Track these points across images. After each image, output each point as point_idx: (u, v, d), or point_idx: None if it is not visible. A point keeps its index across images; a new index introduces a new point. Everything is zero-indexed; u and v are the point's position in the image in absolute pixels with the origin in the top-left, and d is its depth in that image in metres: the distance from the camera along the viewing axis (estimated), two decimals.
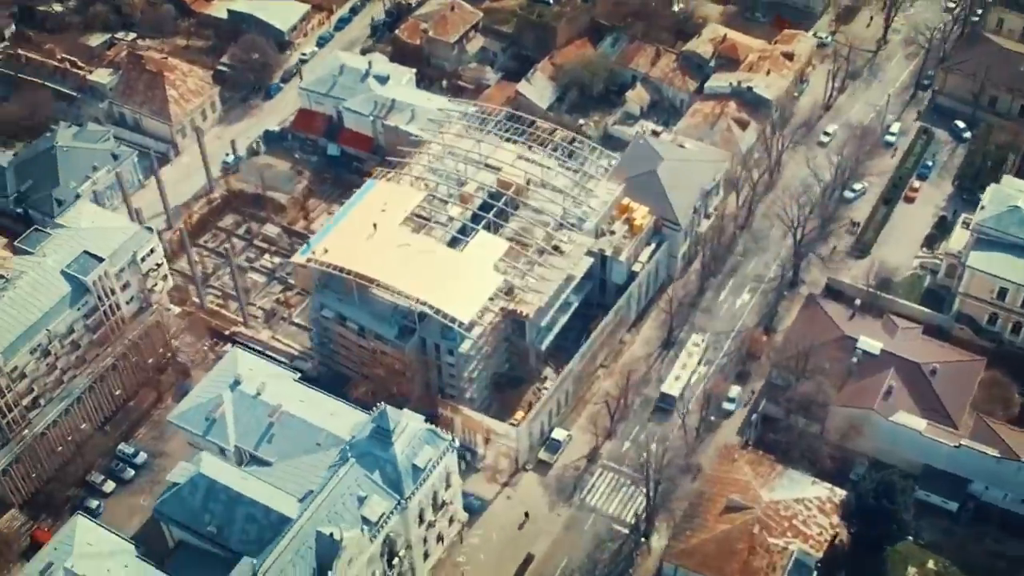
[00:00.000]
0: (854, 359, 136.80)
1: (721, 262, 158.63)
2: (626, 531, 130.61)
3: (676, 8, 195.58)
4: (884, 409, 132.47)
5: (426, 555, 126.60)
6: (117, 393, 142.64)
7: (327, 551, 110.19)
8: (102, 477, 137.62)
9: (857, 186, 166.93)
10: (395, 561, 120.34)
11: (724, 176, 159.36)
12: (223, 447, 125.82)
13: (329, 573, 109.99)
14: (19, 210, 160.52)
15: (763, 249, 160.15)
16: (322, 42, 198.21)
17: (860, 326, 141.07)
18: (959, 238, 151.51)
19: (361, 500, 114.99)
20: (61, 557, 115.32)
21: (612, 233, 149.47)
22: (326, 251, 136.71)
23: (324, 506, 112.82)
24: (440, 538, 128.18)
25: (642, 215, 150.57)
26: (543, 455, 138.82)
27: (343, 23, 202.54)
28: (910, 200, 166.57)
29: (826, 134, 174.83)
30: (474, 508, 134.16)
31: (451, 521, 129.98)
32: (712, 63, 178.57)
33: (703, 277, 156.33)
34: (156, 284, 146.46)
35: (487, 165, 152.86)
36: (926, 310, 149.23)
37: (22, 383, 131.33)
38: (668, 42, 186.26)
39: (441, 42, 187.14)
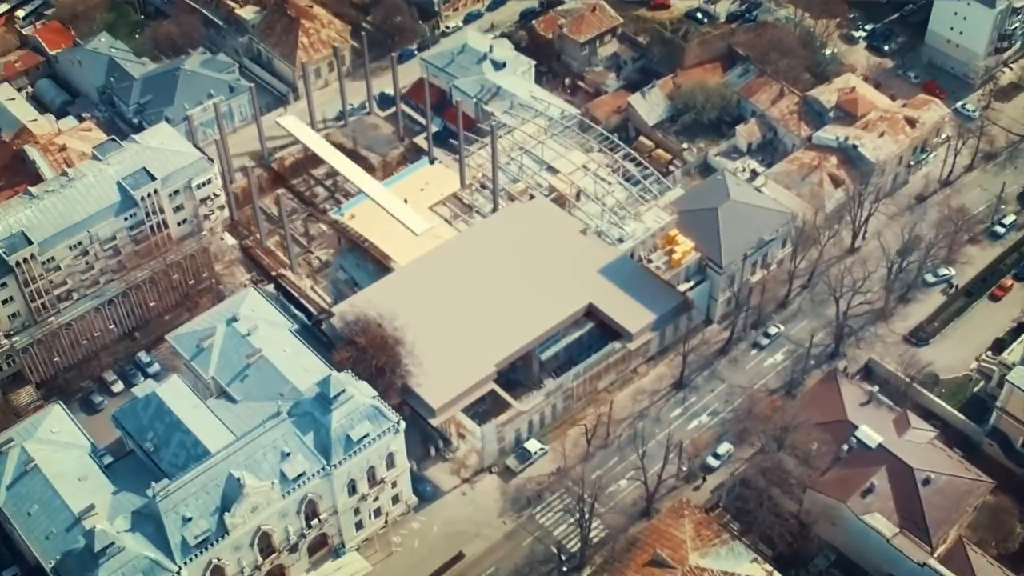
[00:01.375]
0: (846, 446, 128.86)
1: (767, 317, 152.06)
2: (563, 557, 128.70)
3: (827, 52, 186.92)
4: (858, 506, 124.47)
5: (360, 525, 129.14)
6: (152, 305, 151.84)
7: (232, 493, 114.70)
8: (115, 378, 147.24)
9: (943, 271, 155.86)
10: (315, 522, 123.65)
11: (800, 231, 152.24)
12: (202, 375, 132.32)
13: (226, 514, 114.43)
14: (136, 120, 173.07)
15: (817, 315, 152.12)
16: (470, 18, 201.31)
17: (869, 414, 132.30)
18: (1020, 350, 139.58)
19: (284, 455, 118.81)
20: (23, 436, 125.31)
21: (650, 261, 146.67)
22: (352, 216, 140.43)
23: (244, 451, 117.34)
24: (378, 513, 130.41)
25: (684, 249, 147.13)
26: (511, 462, 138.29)
27: (497, 4, 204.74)
28: (996, 298, 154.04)
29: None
30: (426, 495, 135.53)
31: (396, 500, 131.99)
32: (832, 113, 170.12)
33: (742, 327, 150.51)
34: (212, 213, 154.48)
35: (548, 168, 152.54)
36: (960, 416, 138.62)
37: (56, 274, 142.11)
38: (803, 83, 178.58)
39: (572, 41, 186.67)
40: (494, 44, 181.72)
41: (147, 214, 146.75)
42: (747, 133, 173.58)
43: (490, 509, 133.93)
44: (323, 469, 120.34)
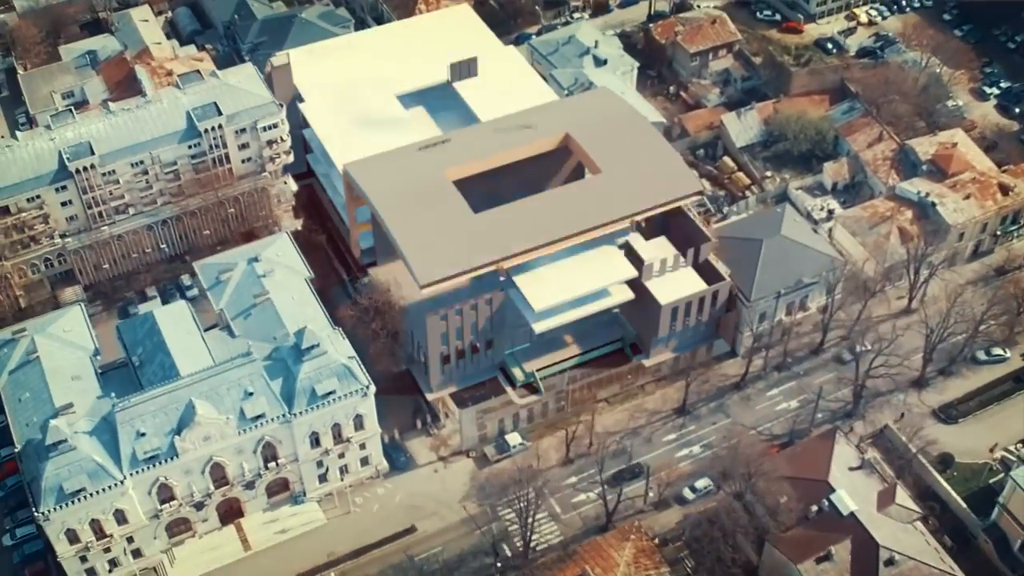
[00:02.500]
0: (815, 507, 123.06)
1: (796, 361, 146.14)
2: (497, 563, 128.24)
3: (949, 103, 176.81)
4: (811, 571, 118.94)
5: (323, 479, 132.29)
6: (205, 233, 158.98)
7: (187, 418, 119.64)
8: (155, 294, 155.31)
9: (997, 351, 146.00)
10: (272, 465, 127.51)
11: (848, 280, 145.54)
12: (214, 305, 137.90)
13: (176, 436, 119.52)
14: (247, 58, 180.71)
15: (849, 368, 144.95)
16: (599, 12, 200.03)
17: (855, 480, 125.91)
18: None
19: (248, 395, 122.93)
20: (37, 328, 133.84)
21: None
22: (365, 170, 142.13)
23: (209, 383, 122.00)
24: (345, 471, 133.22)
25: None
26: (489, 450, 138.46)
27: (628, 3, 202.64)
28: None
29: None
30: (399, 464, 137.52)
31: (365, 463, 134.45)
32: (924, 167, 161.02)
33: (763, 366, 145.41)
34: (278, 156, 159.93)
35: None
36: (963, 504, 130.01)
37: (115, 187, 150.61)
38: (913, 131, 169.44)
39: (683, 49, 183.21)
40: (601, 40, 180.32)
41: (210, 146, 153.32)
42: (834, 172, 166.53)
43: (455, 491, 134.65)
44: (284, 416, 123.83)
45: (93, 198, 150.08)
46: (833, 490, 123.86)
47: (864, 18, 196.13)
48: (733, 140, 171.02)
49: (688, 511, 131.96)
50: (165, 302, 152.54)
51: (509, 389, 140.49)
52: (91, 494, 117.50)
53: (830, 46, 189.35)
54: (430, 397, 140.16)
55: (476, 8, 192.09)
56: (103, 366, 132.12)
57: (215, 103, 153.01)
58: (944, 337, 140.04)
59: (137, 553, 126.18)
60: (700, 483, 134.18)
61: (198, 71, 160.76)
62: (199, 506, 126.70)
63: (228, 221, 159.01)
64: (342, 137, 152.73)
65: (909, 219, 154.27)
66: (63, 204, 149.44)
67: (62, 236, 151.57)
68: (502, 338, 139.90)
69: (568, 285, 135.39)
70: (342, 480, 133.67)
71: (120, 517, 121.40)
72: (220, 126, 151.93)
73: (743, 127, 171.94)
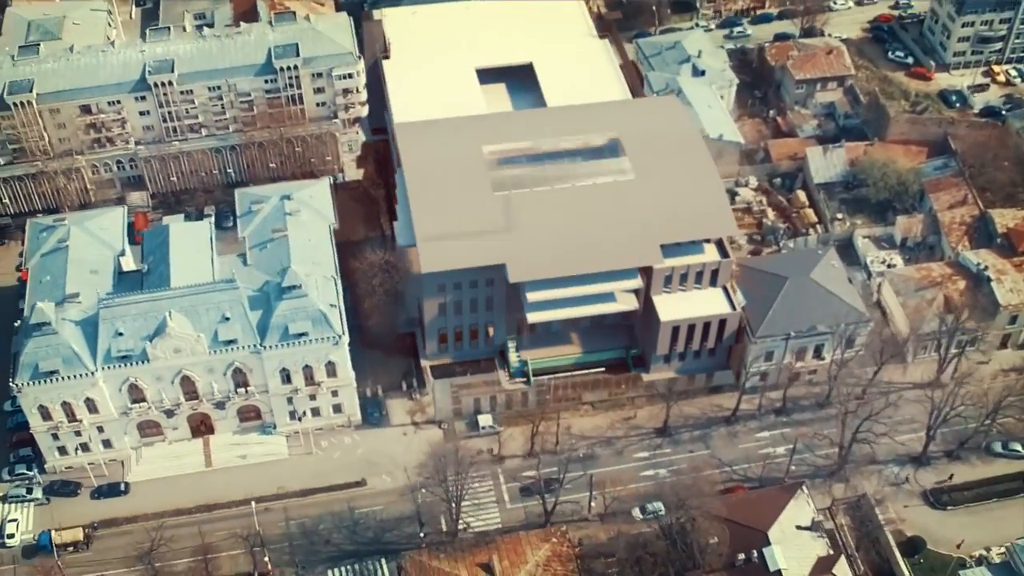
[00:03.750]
0: (742, 556, 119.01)
1: (797, 409, 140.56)
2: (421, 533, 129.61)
3: None
4: None
5: (293, 415, 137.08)
6: (271, 166, 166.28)
7: (161, 327, 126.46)
8: (211, 213, 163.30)
9: (1016, 446, 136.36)
10: (241, 391, 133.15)
11: (876, 341, 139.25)
12: (239, 232, 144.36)
13: (148, 341, 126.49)
14: (367, 9, 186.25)
15: (848, 426, 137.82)
16: (725, 24, 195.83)
17: (798, 540, 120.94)
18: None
19: (224, 319, 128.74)
20: (76, 220, 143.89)
21: None
22: (412, 133, 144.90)
23: (191, 299, 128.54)
24: (317, 413, 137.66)
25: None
26: (459, 426, 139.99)
27: (761, 19, 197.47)
28: None
29: None
30: (372, 420, 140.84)
31: (337, 410, 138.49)
32: (999, 239, 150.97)
33: (759, 405, 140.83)
34: (352, 106, 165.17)
35: None
36: None
37: (191, 107, 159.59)
38: (1013, 201, 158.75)
39: (791, 75, 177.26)
40: (707, 51, 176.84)
41: (285, 84, 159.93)
42: (906, 227, 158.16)
43: (413, 457, 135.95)
44: (255, 346, 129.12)
45: (169, 113, 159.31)
46: (768, 543, 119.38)
47: (1002, 76, 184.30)
48: (812, 175, 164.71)
49: (632, 530, 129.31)
50: (218, 224, 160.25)
51: (501, 372, 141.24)
52: (63, 378, 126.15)
53: (954, 99, 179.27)
54: (424, 364, 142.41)
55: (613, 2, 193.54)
56: (130, 270, 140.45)
57: (296, 44, 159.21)
58: (948, 418, 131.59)
59: (107, 444, 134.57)
60: (653, 505, 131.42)
61: (294, 12, 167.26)
62: (169, 413, 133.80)
63: (293, 159, 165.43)
64: (410, 98, 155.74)
65: (960, 289, 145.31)
66: (141, 113, 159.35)
67: (137, 143, 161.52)
68: (502, 321, 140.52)
69: (569, 284, 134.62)
70: (312, 422, 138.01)
71: (91, 406, 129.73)
72: (296, 67, 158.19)
73: (826, 163, 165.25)
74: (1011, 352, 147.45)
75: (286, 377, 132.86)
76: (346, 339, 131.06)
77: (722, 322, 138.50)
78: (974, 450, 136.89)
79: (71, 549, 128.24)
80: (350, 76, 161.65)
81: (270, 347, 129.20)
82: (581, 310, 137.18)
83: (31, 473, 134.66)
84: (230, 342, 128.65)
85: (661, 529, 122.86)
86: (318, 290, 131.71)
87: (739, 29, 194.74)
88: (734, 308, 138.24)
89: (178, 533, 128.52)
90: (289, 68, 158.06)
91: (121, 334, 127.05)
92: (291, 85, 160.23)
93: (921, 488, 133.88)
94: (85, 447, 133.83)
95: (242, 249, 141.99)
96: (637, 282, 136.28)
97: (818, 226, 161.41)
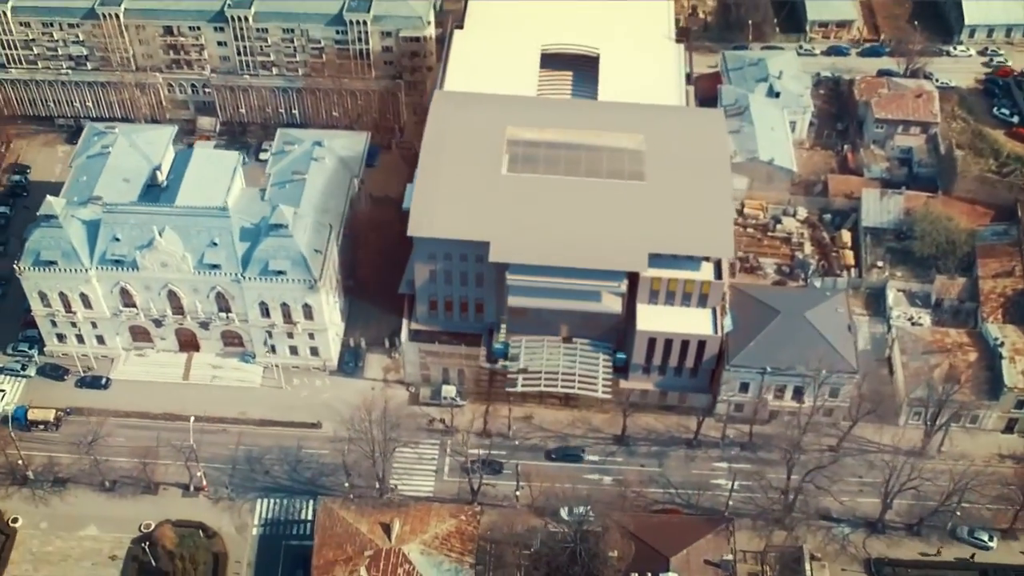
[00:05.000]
0: (636, 575, 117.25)
1: (764, 447, 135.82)
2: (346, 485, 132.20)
3: None
4: None
5: (273, 350, 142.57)
6: (335, 114, 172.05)
7: (151, 239, 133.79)
8: (267, 148, 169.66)
9: (982, 535, 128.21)
10: (223, 315, 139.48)
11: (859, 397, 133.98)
12: (267, 168, 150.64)
13: (138, 251, 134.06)
14: None
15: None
16: (835, 51, 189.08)
17: (698, 573, 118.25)
18: None
19: (212, 244, 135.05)
20: (126, 131, 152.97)
21: None
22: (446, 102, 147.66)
23: (185, 220, 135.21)
24: (294, 351, 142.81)
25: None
26: (424, 392, 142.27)
27: (872, 53, 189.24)
28: None
29: None
30: (347, 369, 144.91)
31: (314, 353, 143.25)
32: None
33: (722, 435, 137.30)
34: (418, 70, 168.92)
35: None
36: None
37: (265, 45, 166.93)
38: None
39: (871, 112, 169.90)
40: (790, 75, 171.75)
41: (355, 38, 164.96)
42: (943, 287, 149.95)
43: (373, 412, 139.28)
44: (235, 275, 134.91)
45: (244, 47, 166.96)
46: (667, 570, 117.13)
47: None
48: (863, 216, 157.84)
49: (554, 528, 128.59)
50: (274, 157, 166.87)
51: (483, 349, 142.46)
52: (61, 269, 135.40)
53: None
54: (413, 326, 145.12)
55: (719, 7, 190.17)
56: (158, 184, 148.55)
57: (370, 1, 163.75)
58: (904, 488, 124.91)
59: (100, 340, 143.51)
60: (580, 508, 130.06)
61: None
62: (158, 323, 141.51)
63: (355, 111, 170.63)
64: (467, 69, 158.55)
65: (968, 362, 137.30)
66: (219, 43, 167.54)
67: (212, 71, 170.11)
68: (492, 300, 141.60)
69: (554, 275, 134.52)
70: (289, 359, 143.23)
71: (86, 301, 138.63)
72: (365, 23, 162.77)
73: (880, 208, 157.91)
74: (1016, 438, 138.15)
75: (265, 311, 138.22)
76: (319, 285, 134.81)
77: (701, 343, 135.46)
78: (937, 529, 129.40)
79: (42, 427, 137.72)
80: (417, 40, 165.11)
81: (250, 279, 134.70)
82: (564, 303, 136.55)
83: (31, 352, 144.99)
84: (214, 266, 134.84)
85: (571, 532, 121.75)
86: (306, 234, 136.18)
87: (840, 58, 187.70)
88: (715, 332, 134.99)
89: (135, 434, 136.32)
90: (359, 23, 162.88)
91: (118, 240, 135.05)
92: (360, 39, 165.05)
93: (865, 556, 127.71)
94: (80, 339, 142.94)
95: (266, 184, 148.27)
96: (622, 286, 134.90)
97: (853, 269, 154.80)
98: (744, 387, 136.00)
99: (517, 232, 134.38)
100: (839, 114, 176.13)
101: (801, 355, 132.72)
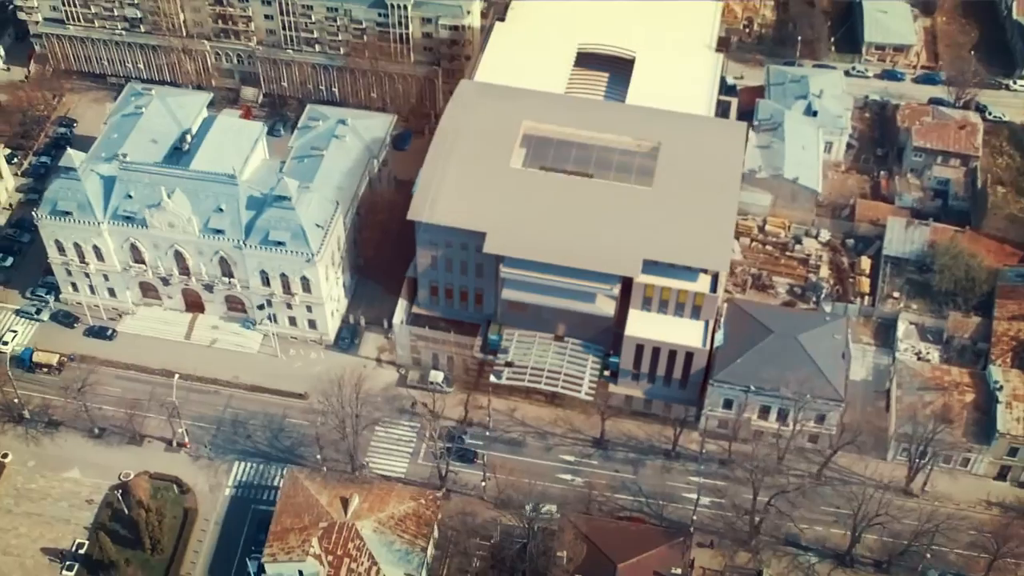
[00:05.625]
0: None
1: (740, 466, 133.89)
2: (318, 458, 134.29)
3: None
4: None
5: (273, 319, 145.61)
6: (372, 95, 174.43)
7: (160, 199, 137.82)
8: (290, 123, 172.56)
9: None
10: (226, 280, 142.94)
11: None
12: (290, 143, 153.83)
13: (148, 209, 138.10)
14: None
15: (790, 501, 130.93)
16: (889, 75, 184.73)
17: None
18: None
19: (218, 209, 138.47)
20: (163, 94, 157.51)
21: None
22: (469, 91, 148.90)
23: (195, 183, 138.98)
24: (293, 322, 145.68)
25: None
26: (412, 374, 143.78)
27: (931, 80, 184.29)
28: None
29: None
30: (343, 345, 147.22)
31: (312, 326, 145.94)
32: None
33: (701, 449, 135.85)
34: (456, 59, 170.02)
35: None
36: None
37: (308, 22, 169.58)
38: None
39: (911, 139, 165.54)
40: (832, 95, 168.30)
41: (395, 22, 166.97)
42: (956, 326, 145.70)
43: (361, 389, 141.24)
44: (238, 241, 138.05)
45: (290, 22, 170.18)
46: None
47: None
48: (885, 244, 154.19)
49: (510, 522, 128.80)
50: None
51: (478, 339, 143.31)
52: (75, 220, 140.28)
53: None
54: (414, 310, 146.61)
55: (780, 19, 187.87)
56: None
57: None
58: (867, 524, 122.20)
59: (112, 292, 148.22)
60: (546, 507, 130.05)
61: None
62: (165, 282, 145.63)
63: (392, 94, 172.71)
64: (500, 61, 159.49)
65: (964, 402, 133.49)
66: (266, 16, 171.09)
67: (259, 43, 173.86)
68: (492, 291, 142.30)
69: (549, 272, 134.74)
70: (288, 330, 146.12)
71: (98, 254, 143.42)
72: (406, 7, 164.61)
73: (904, 237, 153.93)
74: (1007, 487, 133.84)
75: (265, 280, 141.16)
76: (317, 259, 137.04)
77: (689, 355, 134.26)
78: (907, 569, 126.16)
79: (44, 370, 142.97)
80: (456, 28, 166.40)
81: (251, 246, 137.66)
82: (557, 302, 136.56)
83: (47, 298, 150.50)
84: (218, 231, 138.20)
85: (525, 528, 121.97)
86: (311, 208, 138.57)
87: (894, 83, 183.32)
88: (704, 344, 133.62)
89: (131, 386, 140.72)
90: (400, 7, 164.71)
91: (130, 197, 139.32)
92: (400, 23, 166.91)
93: None
94: (92, 290, 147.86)
95: (287, 157, 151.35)
96: (615, 290, 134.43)
97: (867, 297, 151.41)
98: (728, 404, 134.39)
99: (515, 225, 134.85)
100: (880, 139, 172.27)
101: (787, 377, 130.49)
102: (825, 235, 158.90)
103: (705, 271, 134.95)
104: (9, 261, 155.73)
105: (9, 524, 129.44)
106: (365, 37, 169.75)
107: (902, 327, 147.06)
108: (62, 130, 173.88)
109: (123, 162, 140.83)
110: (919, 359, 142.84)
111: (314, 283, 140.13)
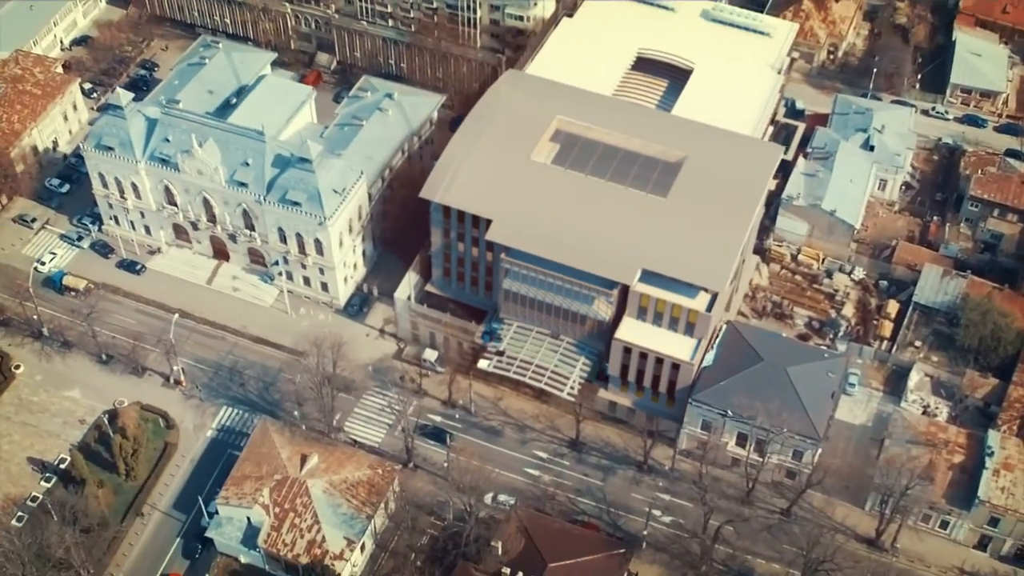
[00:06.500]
0: (508, 570, 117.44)
1: (714, 488, 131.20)
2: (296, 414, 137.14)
3: None
4: None
5: (289, 276, 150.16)
6: (437, 75, 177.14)
7: (189, 147, 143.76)
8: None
9: None
10: (248, 232, 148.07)
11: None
12: (337, 110, 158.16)
13: (180, 154, 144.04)
14: None
15: (751, 536, 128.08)
16: (971, 120, 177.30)
17: None
18: None
19: (245, 164, 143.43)
20: (228, 48, 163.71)
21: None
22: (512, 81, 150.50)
23: (227, 136, 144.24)
24: (307, 282, 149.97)
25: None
26: (409, 350, 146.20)
27: (1013, 130, 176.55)
28: None
29: None
30: (352, 311, 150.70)
31: (324, 289, 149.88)
32: None
33: (671, 466, 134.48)
34: (520, 48, 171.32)
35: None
36: None
37: (380, 8, 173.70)
38: None
39: (970, 187, 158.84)
40: (895, 133, 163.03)
41: (464, 6, 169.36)
42: (971, 385, 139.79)
43: (359, 356, 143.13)
44: (259, 196, 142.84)
45: None
46: (540, 574, 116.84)
47: None
48: (917, 291, 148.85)
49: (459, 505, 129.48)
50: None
51: (480, 325, 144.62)
52: (116, 156, 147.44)
53: None
54: (427, 289, 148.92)
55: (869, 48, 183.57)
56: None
57: None
58: (815, 569, 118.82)
59: (147, 230, 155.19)
60: (502, 496, 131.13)
61: None
62: (194, 226, 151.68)
63: (455, 77, 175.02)
64: (556, 56, 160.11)
65: (951, 463, 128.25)
66: None
67: (337, 11, 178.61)
68: (499, 279, 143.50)
69: (550, 268, 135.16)
70: (302, 289, 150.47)
71: (136, 191, 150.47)
72: None
73: (939, 287, 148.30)
74: (986, 558, 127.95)
75: (282, 237, 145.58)
76: (329, 223, 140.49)
77: (675, 366, 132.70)
78: None
79: (72, 294, 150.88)
80: (521, 19, 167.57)
81: (270, 203, 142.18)
82: (556, 299, 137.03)
83: (91, 227, 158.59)
84: (242, 184, 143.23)
85: (467, 514, 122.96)
86: (330, 173, 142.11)
87: (973, 128, 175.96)
88: (692, 359, 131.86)
89: (146, 320, 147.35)
90: None
91: (168, 140, 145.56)
92: (469, 7, 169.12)
93: None
94: (132, 225, 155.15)
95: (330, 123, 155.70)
96: (613, 295, 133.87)
97: (885, 343, 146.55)
98: (707, 426, 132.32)
99: (521, 217, 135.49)
100: (942, 184, 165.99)
101: (767, 408, 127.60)
102: (859, 273, 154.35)
103: (706, 289, 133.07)
104: (66, 188, 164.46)
105: (5, 430, 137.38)
106: (435, 17, 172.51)
107: (915, 377, 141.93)
108: (142, 72, 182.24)
109: (165, 106, 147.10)
110: (924, 413, 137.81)
111: (326, 246, 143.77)
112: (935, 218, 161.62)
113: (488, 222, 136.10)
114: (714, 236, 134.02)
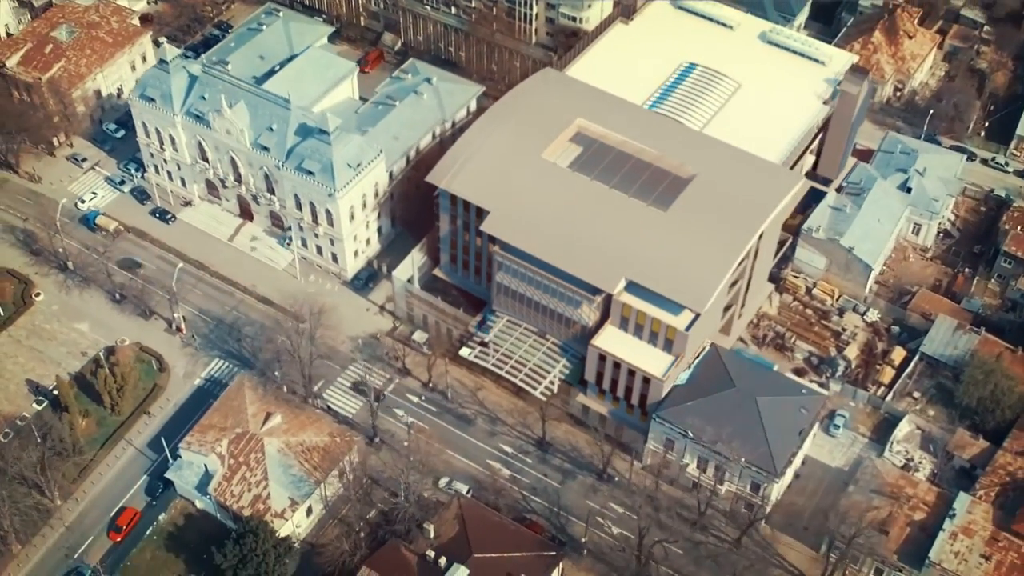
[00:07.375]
0: (433, 553, 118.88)
1: (667, 509, 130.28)
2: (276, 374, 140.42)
3: None
4: None
5: (304, 243, 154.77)
6: (493, 67, 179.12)
7: (221, 107, 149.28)
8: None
9: None
10: (268, 196, 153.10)
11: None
12: (376, 91, 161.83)
13: (212, 112, 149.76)
14: None
15: (696, 561, 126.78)
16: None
17: None
18: None
19: (269, 129, 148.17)
20: (290, 18, 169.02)
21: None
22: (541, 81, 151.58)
23: (258, 101, 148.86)
24: (320, 251, 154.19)
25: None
26: (402, 329, 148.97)
27: None
28: None
29: None
30: (357, 285, 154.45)
31: (335, 260, 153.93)
32: None
33: (628, 479, 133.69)
34: (572, 47, 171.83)
35: None
36: None
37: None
38: None
39: (1004, 242, 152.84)
40: (937, 175, 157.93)
41: (521, 2, 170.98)
42: (959, 445, 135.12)
43: (352, 326, 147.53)
44: (278, 161, 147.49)
45: None
46: (464, 563, 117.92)
47: None
48: (926, 341, 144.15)
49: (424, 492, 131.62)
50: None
51: (475, 316, 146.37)
52: (156, 107, 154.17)
53: None
54: (435, 272, 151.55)
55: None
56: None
57: None
58: None
59: (183, 182, 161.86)
60: (458, 485, 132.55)
61: None
62: (223, 183, 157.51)
63: (508, 71, 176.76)
64: (599, 60, 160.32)
65: (910, 519, 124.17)
66: None
67: None
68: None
69: (540, 267, 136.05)
70: (315, 257, 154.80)
71: (172, 143, 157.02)
72: None
73: (949, 340, 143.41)
74: None
75: (297, 204, 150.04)
76: (338, 196, 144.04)
77: (646, 380, 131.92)
78: None
79: (103, 233, 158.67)
80: (574, 19, 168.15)
81: (287, 169, 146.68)
82: (544, 298, 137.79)
83: (135, 173, 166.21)
84: (264, 148, 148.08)
85: (408, 493, 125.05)
86: (347, 147, 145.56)
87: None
88: (664, 375, 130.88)
89: (164, 267, 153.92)
90: None
91: (204, 98, 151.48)
92: (526, 3, 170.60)
93: None
94: (170, 176, 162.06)
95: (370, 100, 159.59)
96: (598, 300, 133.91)
97: (882, 388, 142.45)
98: (669, 445, 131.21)
99: (519, 213, 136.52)
100: (983, 236, 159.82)
101: (729, 437, 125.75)
102: (873, 315, 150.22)
103: (692, 309, 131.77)
104: (120, 133, 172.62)
105: (13, 351, 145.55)
106: (495, 9, 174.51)
107: (905, 428, 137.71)
108: (215, 32, 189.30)
109: (206, 65, 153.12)
110: (905, 466, 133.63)
111: (336, 218, 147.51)
112: (965, 270, 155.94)
113: (488, 213, 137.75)
114: (706, 256, 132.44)
